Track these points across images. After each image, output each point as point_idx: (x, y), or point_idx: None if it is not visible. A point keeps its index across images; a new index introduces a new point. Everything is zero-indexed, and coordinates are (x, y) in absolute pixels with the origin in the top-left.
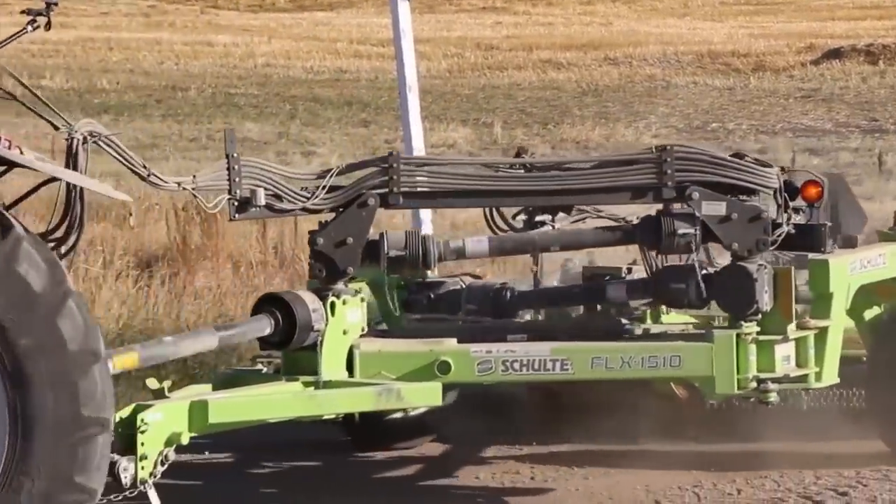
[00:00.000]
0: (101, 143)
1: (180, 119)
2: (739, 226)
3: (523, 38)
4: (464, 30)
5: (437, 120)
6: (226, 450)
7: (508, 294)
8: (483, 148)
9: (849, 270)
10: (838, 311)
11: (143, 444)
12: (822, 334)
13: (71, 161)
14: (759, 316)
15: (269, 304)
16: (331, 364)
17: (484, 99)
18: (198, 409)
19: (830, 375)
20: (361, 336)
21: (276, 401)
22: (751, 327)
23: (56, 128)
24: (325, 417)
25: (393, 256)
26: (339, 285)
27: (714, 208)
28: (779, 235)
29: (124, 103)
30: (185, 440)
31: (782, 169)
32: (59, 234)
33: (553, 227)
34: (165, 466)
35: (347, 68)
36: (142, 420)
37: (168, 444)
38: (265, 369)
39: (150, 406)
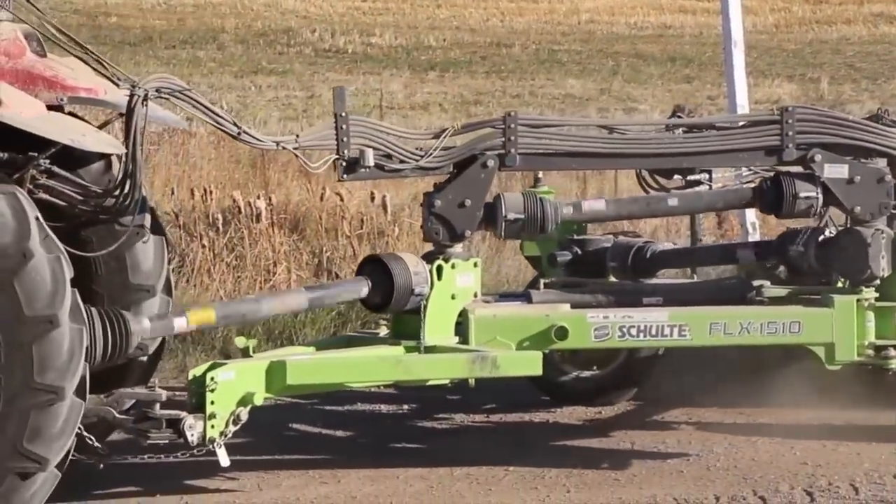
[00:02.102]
0: (175, 98)
1: (504, 75)
2: (862, 189)
3: None
4: None
5: (762, 76)
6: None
7: (648, 253)
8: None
9: None
10: None
11: (212, 402)
12: None
13: (126, 118)
14: (877, 281)
15: (370, 265)
16: (436, 328)
17: (811, 54)
18: (276, 370)
19: None
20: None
21: (360, 364)
22: (870, 293)
23: (116, 84)
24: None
25: (511, 219)
26: (455, 248)
27: (836, 170)
28: None
29: (450, 60)
30: (258, 401)
31: None
32: (116, 192)
33: (710, 186)
34: (238, 426)
35: (672, 24)
36: (211, 379)
37: (241, 403)
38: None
39: (223, 365)
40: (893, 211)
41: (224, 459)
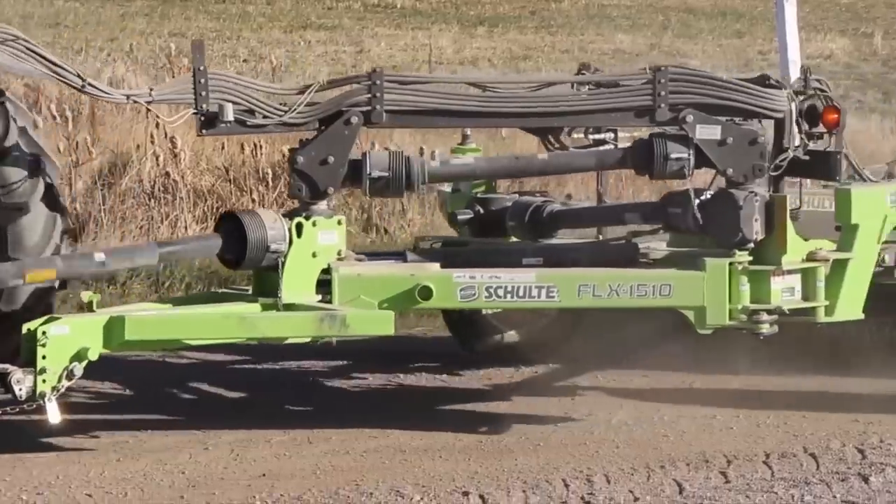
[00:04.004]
0: (14, 47)
1: (553, 31)
2: (735, 150)
3: None
4: None
5: (814, 30)
6: None
7: (545, 213)
8: (862, 59)
9: (888, 202)
10: (865, 244)
11: (43, 357)
12: (839, 267)
13: None
14: (750, 245)
15: (226, 221)
16: (295, 286)
17: (864, 8)
18: (114, 325)
19: (847, 310)
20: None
21: (202, 321)
22: (743, 256)
23: None
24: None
25: (375, 177)
26: (319, 205)
27: (708, 132)
28: (783, 161)
29: (499, 15)
30: (93, 356)
31: (804, 94)
32: None
33: (615, 145)
34: (72, 381)
35: None
36: (43, 333)
37: (75, 359)
38: None
39: (58, 319)
40: (773, 173)
41: (54, 416)
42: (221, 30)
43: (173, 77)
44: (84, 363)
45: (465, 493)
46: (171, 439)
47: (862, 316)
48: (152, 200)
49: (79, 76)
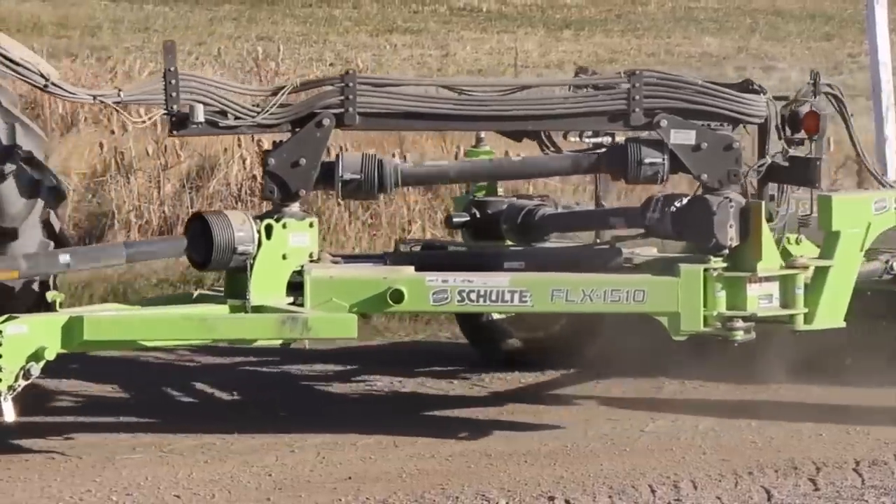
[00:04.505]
0: None
1: (639, 34)
2: (710, 156)
3: None
4: None
5: None
6: None
7: (537, 216)
8: None
9: (872, 209)
10: (847, 252)
11: (0, 356)
12: (820, 275)
13: None
14: (725, 251)
15: (195, 222)
16: (263, 288)
17: None
18: (74, 325)
19: (827, 318)
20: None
21: (162, 322)
22: (718, 262)
23: None
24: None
25: (347, 179)
26: (291, 207)
27: (683, 136)
28: (760, 167)
29: (585, 18)
30: (50, 356)
31: (785, 98)
32: None
33: None
34: (29, 381)
35: None
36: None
37: (33, 358)
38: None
39: (15, 318)
40: (750, 178)
41: (9, 415)
42: (308, 33)
43: (261, 81)
44: (42, 363)
45: (551, 498)
46: (258, 441)
47: (843, 324)
48: (239, 203)
49: (41, 75)
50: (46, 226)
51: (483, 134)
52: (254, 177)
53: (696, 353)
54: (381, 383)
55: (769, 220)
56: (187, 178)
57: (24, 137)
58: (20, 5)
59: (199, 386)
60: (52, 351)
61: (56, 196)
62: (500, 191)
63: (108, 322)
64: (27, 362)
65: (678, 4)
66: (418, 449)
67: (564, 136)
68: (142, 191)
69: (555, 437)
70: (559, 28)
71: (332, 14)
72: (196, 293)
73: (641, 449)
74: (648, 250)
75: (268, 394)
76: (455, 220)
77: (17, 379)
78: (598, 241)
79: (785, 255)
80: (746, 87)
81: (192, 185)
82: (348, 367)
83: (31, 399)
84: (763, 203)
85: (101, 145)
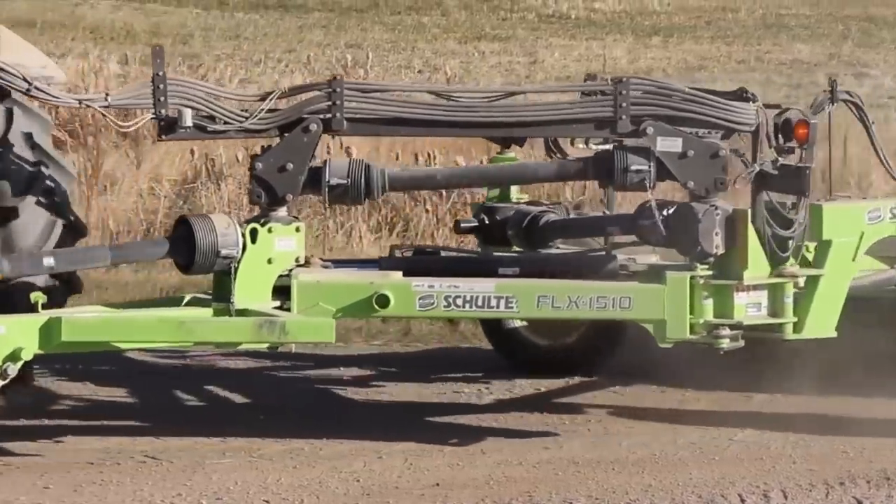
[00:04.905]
0: None
1: (729, 40)
2: (696, 163)
3: None
4: None
5: None
6: None
7: (541, 222)
8: None
9: (865, 219)
10: (838, 261)
11: None
12: (811, 284)
13: None
14: (710, 259)
15: (180, 226)
16: (249, 292)
17: None
18: (52, 327)
19: (817, 328)
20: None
21: (140, 325)
22: (705, 270)
23: None
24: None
25: (334, 184)
26: (278, 212)
27: (669, 144)
28: (749, 174)
29: (674, 25)
30: (27, 356)
31: (778, 107)
32: None
33: None
34: (6, 381)
35: None
36: None
37: (10, 358)
38: None
39: None
40: (737, 186)
41: None
42: (396, 41)
43: None
44: (19, 363)
45: None
46: (346, 447)
47: (835, 334)
48: (328, 210)
49: (24, 79)
50: None
51: None
52: None
53: (785, 365)
54: (468, 390)
55: (786, 227)
56: None
57: (52, 172)
58: (114, 13)
59: (284, 391)
60: (30, 351)
61: (73, 233)
62: (514, 196)
63: (85, 323)
64: (4, 362)
65: (769, 11)
66: (505, 456)
67: (572, 143)
68: (231, 197)
69: (643, 444)
70: (648, 35)
71: (420, 21)
72: (188, 297)
73: (730, 458)
74: (648, 257)
75: (345, 400)
76: (463, 225)
77: None
78: (602, 246)
79: (804, 263)
80: (740, 95)
81: None
82: (433, 372)
83: (121, 405)
84: (748, 212)
85: (191, 152)
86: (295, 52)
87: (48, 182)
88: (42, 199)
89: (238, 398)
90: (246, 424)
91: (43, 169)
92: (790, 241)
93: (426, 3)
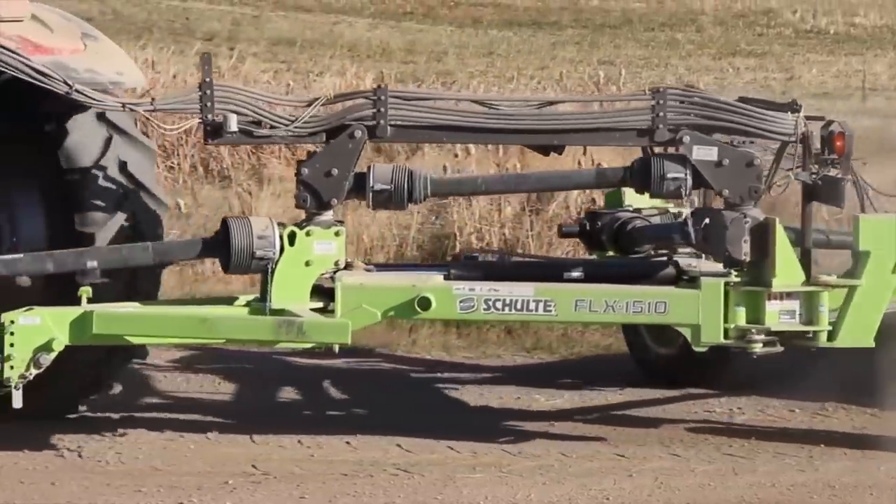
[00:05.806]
0: None
1: None
2: (731, 172)
3: None
4: None
5: None
6: None
7: (629, 227)
8: None
9: None
10: (875, 272)
11: (11, 345)
12: (848, 294)
13: None
14: (739, 266)
15: (222, 227)
16: (285, 293)
17: None
18: (84, 320)
19: (852, 337)
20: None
21: (165, 321)
22: (738, 276)
23: None
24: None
25: (378, 189)
26: (324, 216)
27: (705, 153)
28: (786, 183)
29: None
30: (58, 347)
31: (822, 118)
32: None
33: None
34: (41, 370)
35: None
36: (11, 322)
37: (43, 349)
38: None
39: (31, 310)
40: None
41: (17, 402)
42: (650, 57)
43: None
44: (52, 354)
45: None
46: (596, 464)
47: (872, 344)
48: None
49: (65, 82)
50: None
51: None
52: (593, 200)
53: None
54: (720, 409)
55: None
56: (528, 200)
57: (143, 200)
58: (371, 31)
59: (535, 411)
60: (60, 343)
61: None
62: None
63: (116, 318)
64: (37, 352)
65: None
66: (758, 477)
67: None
68: (483, 213)
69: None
70: None
71: (674, 38)
72: (242, 299)
73: None
74: (711, 264)
75: (596, 417)
76: (564, 230)
77: (28, 367)
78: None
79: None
80: (790, 106)
81: (533, 208)
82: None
83: (371, 418)
84: (776, 220)
85: (443, 168)
86: (548, 69)
87: (134, 210)
88: (125, 225)
89: (489, 413)
90: (495, 439)
91: (131, 197)
92: None
93: (681, 19)
